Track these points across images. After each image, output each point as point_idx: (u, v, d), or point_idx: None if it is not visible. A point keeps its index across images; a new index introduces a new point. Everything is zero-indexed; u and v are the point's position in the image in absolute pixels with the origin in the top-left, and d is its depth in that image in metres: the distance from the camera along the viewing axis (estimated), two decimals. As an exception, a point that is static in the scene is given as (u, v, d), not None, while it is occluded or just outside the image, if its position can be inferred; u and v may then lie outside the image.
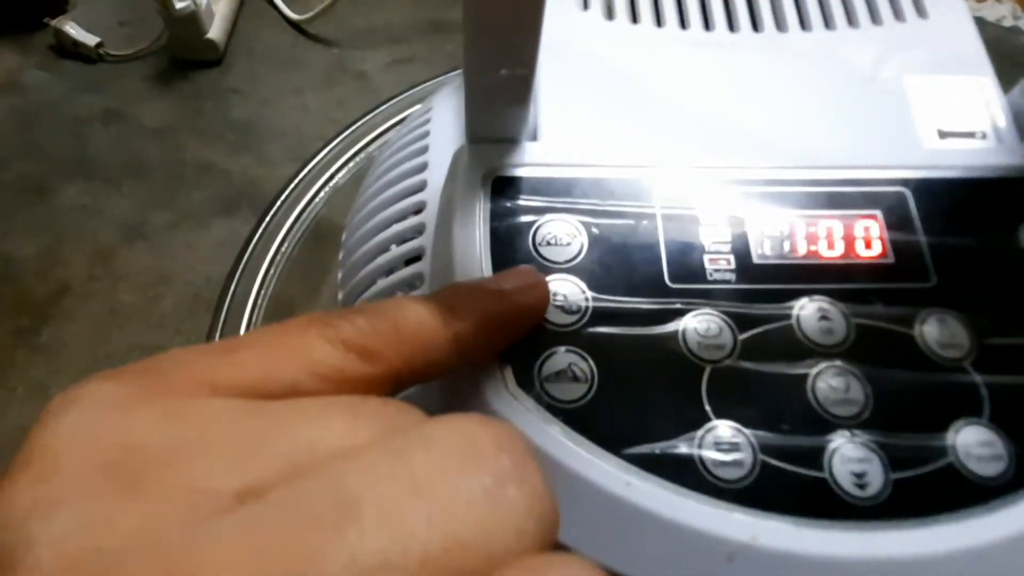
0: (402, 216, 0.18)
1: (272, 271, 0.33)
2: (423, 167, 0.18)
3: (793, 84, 0.17)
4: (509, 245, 0.14)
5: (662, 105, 0.17)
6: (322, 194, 0.35)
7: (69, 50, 0.68)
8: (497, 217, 0.15)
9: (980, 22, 0.74)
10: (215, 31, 0.63)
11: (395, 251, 0.17)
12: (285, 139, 0.64)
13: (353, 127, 0.35)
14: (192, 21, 0.59)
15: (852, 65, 0.17)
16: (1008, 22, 0.78)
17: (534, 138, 0.16)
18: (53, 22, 0.65)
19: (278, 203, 0.33)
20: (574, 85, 0.17)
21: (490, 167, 0.15)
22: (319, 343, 0.10)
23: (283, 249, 0.33)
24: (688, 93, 0.17)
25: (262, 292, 0.32)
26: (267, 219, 0.34)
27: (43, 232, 0.57)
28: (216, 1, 0.64)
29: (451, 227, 0.15)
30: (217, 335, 0.30)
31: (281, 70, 0.67)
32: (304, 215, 0.34)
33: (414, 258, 0.17)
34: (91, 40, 0.66)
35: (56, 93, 0.65)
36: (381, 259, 0.18)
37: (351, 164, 0.35)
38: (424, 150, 0.18)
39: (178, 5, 0.56)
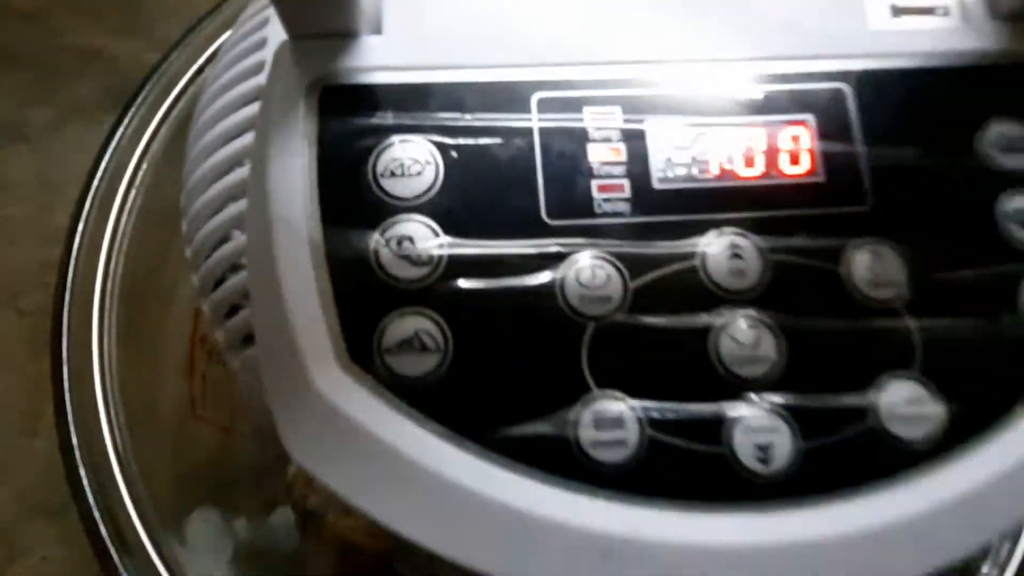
0: (236, 132, 0.14)
1: (141, 170, 0.27)
2: (259, 68, 0.14)
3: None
4: (342, 179, 0.11)
5: None
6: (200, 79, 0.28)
7: (-97, -88, 0.57)
8: (326, 141, 0.11)
9: None
10: None
11: (231, 178, 0.14)
12: (179, 16, 0.56)
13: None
14: None
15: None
16: None
17: (377, 30, 0.12)
18: None
19: (145, 91, 0.27)
20: None
21: (318, 73, 0.12)
22: None
23: (153, 146, 0.28)
24: None
25: (130, 194, 0.27)
26: (133, 109, 0.28)
27: (-95, 138, 0.50)
28: None
29: (265, 156, 0.11)
30: (72, 258, 0.25)
31: (168, -68, 0.58)
32: (179, 105, 0.28)
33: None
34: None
35: None
36: (215, 189, 0.14)
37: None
38: (262, 44, 0.14)
39: None
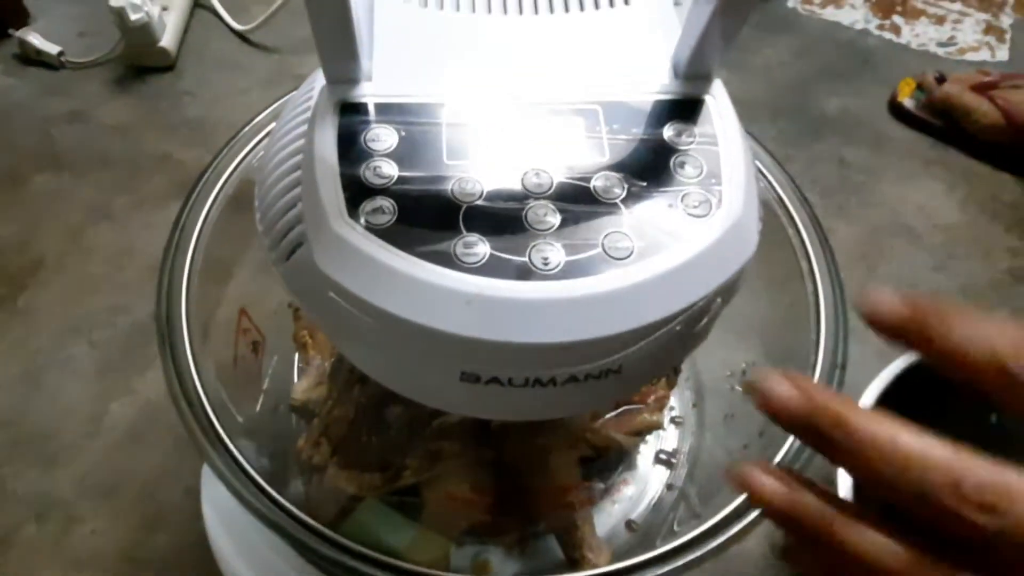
0: (296, 138, 0.27)
1: (202, 235, 0.38)
2: (308, 109, 0.27)
3: (540, 46, 0.27)
4: (350, 142, 0.24)
5: (456, 60, 0.26)
6: (242, 166, 0.40)
7: (33, 58, 0.76)
8: (343, 127, 0.24)
9: (837, 25, 0.89)
10: (167, 40, 0.72)
11: (292, 162, 0.27)
12: (232, 132, 0.73)
13: (269, 109, 0.42)
14: (146, 31, 0.68)
15: (579, 35, 0.27)
16: (860, 25, 0.91)
17: (369, 79, 0.25)
18: (17, 33, 0.73)
19: (204, 178, 0.39)
20: (399, 47, 0.26)
21: (340, 97, 0.25)
22: None
23: (211, 216, 0.39)
24: (475, 53, 0.27)
25: (196, 256, 0.38)
26: (196, 191, 0.39)
27: (18, 215, 0.65)
28: (167, 13, 0.73)
29: (313, 135, 0.24)
30: (163, 295, 0.35)
31: (228, 74, 0.76)
32: (226, 186, 0.39)
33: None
34: (53, 49, 0.74)
35: (23, 96, 0.73)
36: (283, 167, 0.27)
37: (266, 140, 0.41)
38: (310, 99, 0.28)
39: (133, 17, 0.65)
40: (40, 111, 0.70)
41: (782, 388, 0.17)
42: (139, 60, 0.73)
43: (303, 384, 0.45)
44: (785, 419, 0.17)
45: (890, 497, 0.15)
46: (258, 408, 0.43)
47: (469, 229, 0.23)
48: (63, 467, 0.51)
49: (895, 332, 0.16)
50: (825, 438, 0.16)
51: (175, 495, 0.50)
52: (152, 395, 0.54)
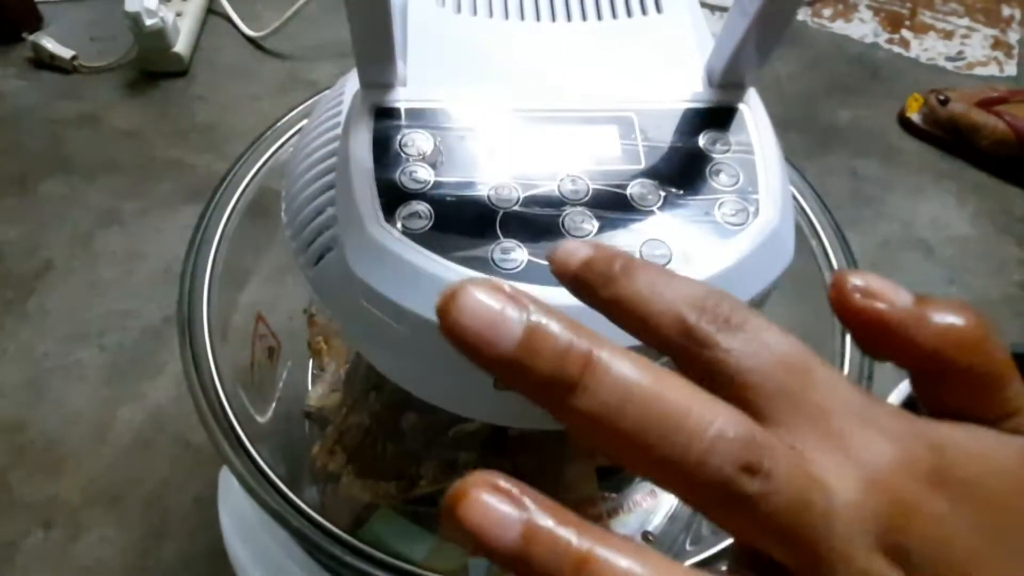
0: (328, 141, 0.27)
1: (223, 241, 0.38)
2: (339, 113, 0.27)
3: (573, 53, 0.27)
4: (385, 147, 0.24)
5: (490, 66, 0.26)
6: (262, 172, 0.40)
7: (46, 62, 0.75)
8: (378, 131, 0.24)
9: (846, 39, 0.90)
10: (181, 45, 0.72)
11: (322, 167, 0.26)
12: (244, 138, 0.73)
13: (289, 116, 0.41)
14: (160, 36, 0.68)
15: (612, 42, 0.27)
16: (870, 39, 0.91)
17: (404, 84, 0.25)
18: (31, 37, 0.73)
19: (225, 183, 0.39)
20: (432, 53, 0.26)
21: (375, 102, 0.25)
22: None
23: (231, 222, 0.38)
24: (508, 60, 0.26)
25: (216, 260, 0.37)
26: (216, 197, 0.39)
27: (26, 219, 0.64)
28: (181, 19, 0.73)
29: (348, 138, 0.24)
30: (185, 302, 0.35)
31: (240, 80, 0.75)
32: (247, 191, 0.39)
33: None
34: (66, 53, 0.74)
35: (34, 100, 0.72)
36: (312, 172, 0.27)
37: (288, 144, 0.41)
38: (340, 102, 0.27)
39: (147, 22, 0.65)
40: (52, 115, 0.70)
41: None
42: (152, 65, 0.73)
43: (318, 391, 0.45)
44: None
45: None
46: (271, 414, 0.43)
47: (506, 235, 0.22)
48: (71, 473, 0.51)
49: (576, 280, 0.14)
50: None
51: (184, 503, 0.49)
52: (162, 401, 0.54)
